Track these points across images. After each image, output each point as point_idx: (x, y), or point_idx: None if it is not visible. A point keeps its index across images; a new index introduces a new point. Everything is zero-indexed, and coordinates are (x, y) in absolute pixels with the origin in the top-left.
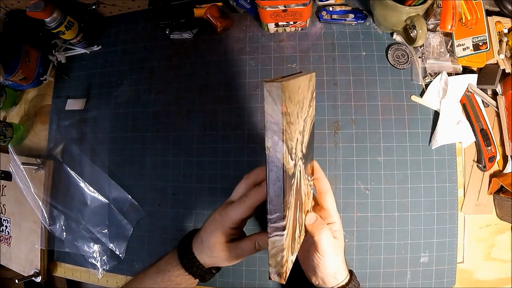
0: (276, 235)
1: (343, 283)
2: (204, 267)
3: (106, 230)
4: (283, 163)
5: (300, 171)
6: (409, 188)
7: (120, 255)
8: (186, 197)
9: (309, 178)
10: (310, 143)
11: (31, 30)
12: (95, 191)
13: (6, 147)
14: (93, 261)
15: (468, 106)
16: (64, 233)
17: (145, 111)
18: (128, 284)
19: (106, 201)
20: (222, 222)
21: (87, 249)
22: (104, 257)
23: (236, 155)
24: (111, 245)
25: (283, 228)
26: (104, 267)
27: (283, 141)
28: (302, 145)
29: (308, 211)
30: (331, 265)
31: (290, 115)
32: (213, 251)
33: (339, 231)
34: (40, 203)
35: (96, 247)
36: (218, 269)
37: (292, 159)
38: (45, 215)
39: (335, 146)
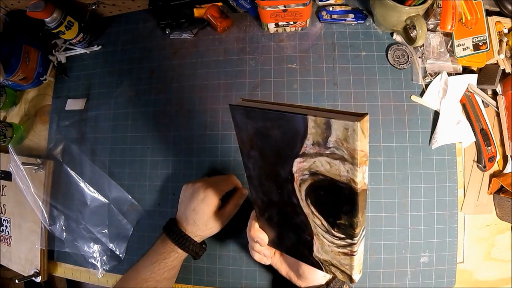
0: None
1: (329, 278)
2: (196, 242)
3: (106, 230)
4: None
5: None
6: (409, 188)
7: (120, 255)
8: None
9: None
10: None
11: (31, 30)
12: (95, 191)
13: (6, 147)
14: (93, 261)
15: (468, 106)
16: (64, 233)
17: (145, 111)
18: (123, 281)
19: (106, 201)
20: (213, 197)
21: (87, 249)
22: (104, 257)
23: (236, 155)
24: (111, 245)
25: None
26: (104, 267)
27: (367, 165)
28: None
29: None
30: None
31: None
32: (208, 223)
33: None
34: (40, 203)
35: (96, 247)
36: (205, 245)
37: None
38: (45, 215)
39: None
